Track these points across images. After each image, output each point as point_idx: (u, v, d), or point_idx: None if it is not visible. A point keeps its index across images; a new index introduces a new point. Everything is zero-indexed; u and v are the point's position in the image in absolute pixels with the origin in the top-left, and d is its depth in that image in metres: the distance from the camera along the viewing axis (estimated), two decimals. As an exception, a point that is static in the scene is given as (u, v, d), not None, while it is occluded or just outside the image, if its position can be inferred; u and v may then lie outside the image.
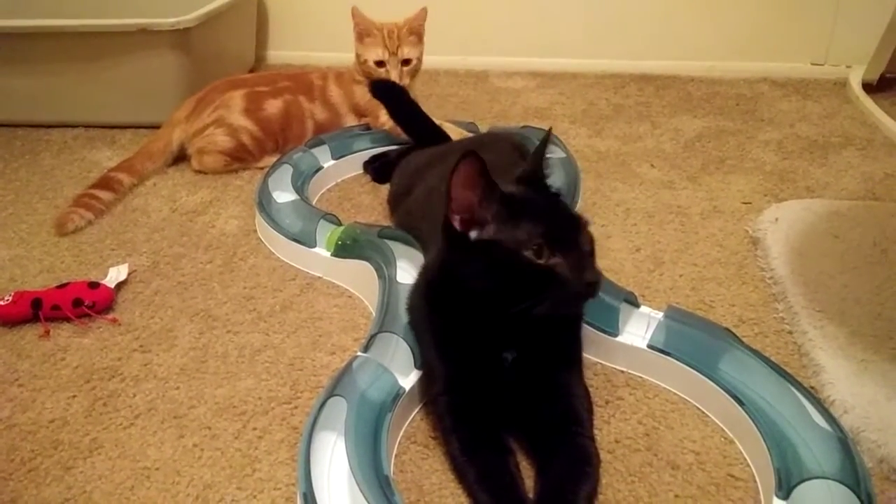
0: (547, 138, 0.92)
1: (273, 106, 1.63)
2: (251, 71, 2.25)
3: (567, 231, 0.81)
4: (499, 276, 0.80)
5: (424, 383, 0.92)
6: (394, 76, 1.56)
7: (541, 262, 0.78)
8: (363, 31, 1.58)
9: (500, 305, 0.79)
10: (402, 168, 1.43)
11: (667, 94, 1.99)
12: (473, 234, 0.81)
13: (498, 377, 0.85)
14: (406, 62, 1.58)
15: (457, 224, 0.81)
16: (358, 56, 1.61)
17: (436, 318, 0.90)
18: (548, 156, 1.45)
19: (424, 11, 1.58)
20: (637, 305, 1.01)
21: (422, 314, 0.92)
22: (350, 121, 1.67)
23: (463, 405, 0.86)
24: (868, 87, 1.90)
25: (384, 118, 1.60)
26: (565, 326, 0.90)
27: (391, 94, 1.51)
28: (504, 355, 0.85)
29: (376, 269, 1.11)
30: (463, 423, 0.85)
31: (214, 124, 1.59)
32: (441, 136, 1.51)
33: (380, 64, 1.57)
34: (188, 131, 1.61)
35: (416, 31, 1.58)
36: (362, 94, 1.64)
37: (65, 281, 1.18)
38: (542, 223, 0.79)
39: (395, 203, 1.37)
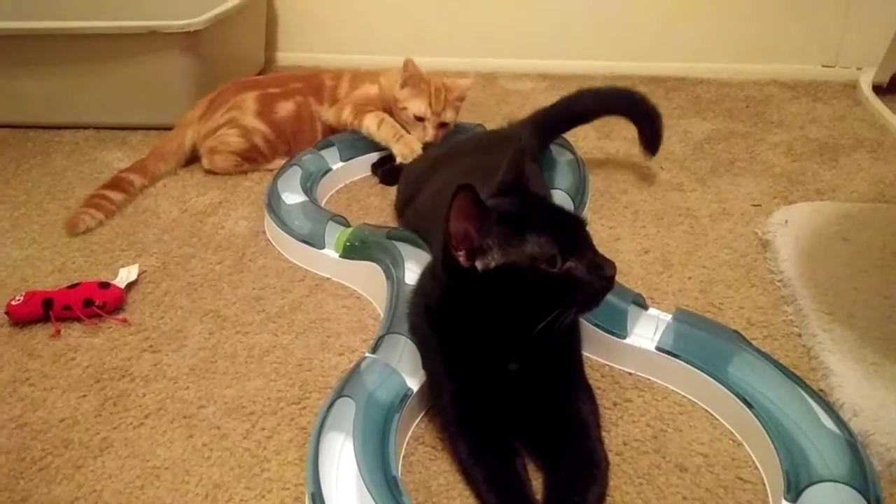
0: (521, 146, 0.88)
1: (284, 108, 1.63)
2: (261, 73, 2.26)
3: (572, 232, 0.81)
4: (520, 298, 0.77)
5: (430, 391, 0.92)
6: (429, 135, 1.53)
7: (558, 271, 0.77)
8: (410, 81, 1.53)
9: (524, 325, 0.77)
10: (408, 171, 1.43)
11: (676, 97, 1.99)
12: (480, 265, 0.77)
13: (503, 387, 0.85)
14: (444, 125, 1.55)
15: (462, 260, 0.78)
16: (396, 101, 1.55)
17: (441, 340, 0.88)
18: (556, 158, 1.48)
19: (473, 82, 1.61)
20: (645, 307, 1.01)
21: (425, 334, 0.91)
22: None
23: (469, 412, 0.86)
24: (878, 90, 1.89)
25: (368, 121, 1.56)
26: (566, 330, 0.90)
27: None
28: (509, 366, 0.84)
29: (384, 271, 1.12)
30: (470, 428, 0.85)
31: (228, 125, 1.60)
32: None
33: (419, 118, 1.53)
34: (200, 132, 1.62)
35: (461, 98, 1.57)
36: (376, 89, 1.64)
37: (76, 281, 1.19)
38: (547, 232, 0.77)
39: (402, 206, 1.37)
